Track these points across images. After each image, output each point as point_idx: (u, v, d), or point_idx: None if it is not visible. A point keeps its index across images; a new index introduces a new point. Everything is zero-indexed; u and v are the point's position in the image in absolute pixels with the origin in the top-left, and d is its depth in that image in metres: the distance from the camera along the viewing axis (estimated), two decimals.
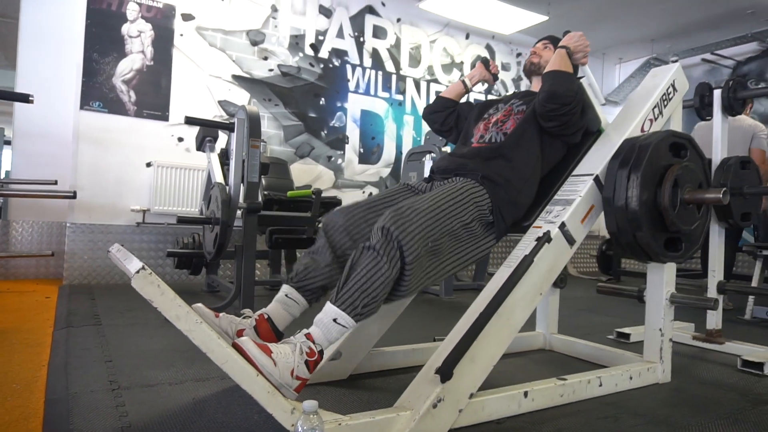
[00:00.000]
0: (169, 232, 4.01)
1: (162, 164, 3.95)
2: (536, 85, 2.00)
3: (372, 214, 1.61)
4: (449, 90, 2.16)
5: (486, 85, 2.21)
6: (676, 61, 6.15)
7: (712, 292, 2.51)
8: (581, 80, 1.89)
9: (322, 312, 1.35)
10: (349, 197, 4.81)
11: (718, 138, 2.59)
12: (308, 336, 1.32)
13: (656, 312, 1.95)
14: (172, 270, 3.92)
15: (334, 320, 1.32)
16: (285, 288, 1.55)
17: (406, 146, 5.17)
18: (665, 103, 1.89)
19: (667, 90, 1.90)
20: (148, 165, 3.91)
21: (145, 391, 1.59)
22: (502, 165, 1.68)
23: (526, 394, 1.55)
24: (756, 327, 3.10)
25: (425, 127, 5.30)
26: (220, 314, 1.49)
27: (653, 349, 1.95)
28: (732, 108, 2.57)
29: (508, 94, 2.31)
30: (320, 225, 1.63)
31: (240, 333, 1.46)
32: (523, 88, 6.01)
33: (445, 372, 1.34)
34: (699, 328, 2.71)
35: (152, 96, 3.98)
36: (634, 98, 1.92)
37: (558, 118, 1.69)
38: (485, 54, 5.71)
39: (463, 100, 2.19)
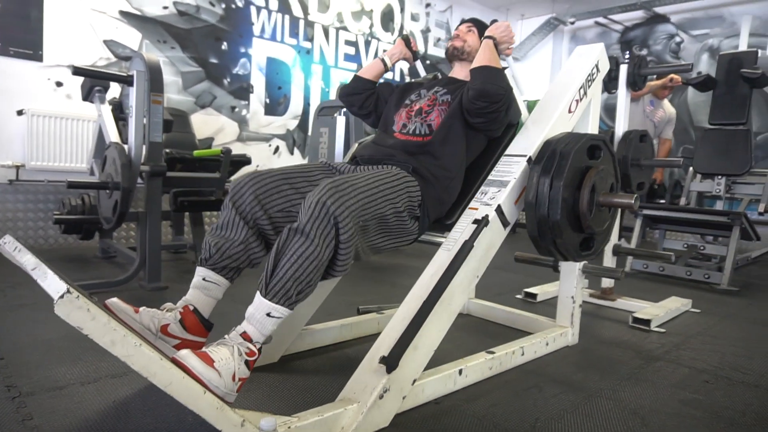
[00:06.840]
0: (50, 190, 3.55)
1: (37, 113, 3.44)
2: (459, 70, 1.91)
3: (286, 186, 1.49)
4: (367, 69, 1.99)
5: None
6: (573, 23, 6.43)
7: (608, 255, 2.74)
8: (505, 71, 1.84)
9: (254, 306, 1.26)
10: (254, 151, 4.56)
11: (622, 111, 2.76)
12: (244, 335, 1.25)
13: (570, 281, 2.10)
14: (56, 233, 3.52)
15: (268, 314, 1.24)
16: (201, 271, 1.43)
17: (314, 98, 4.96)
18: (590, 83, 1.95)
19: (591, 70, 1.95)
20: (20, 113, 3.38)
21: (54, 395, 1.42)
22: (430, 161, 1.64)
23: (460, 371, 1.60)
24: (635, 279, 3.48)
25: (334, 78, 5.11)
26: (140, 309, 1.36)
27: (565, 315, 2.10)
28: (635, 84, 2.74)
29: (428, 76, 2.17)
30: (227, 196, 1.48)
31: (164, 328, 1.36)
32: (431, 42, 5.96)
33: (392, 363, 1.33)
34: (592, 284, 2.97)
35: (20, 30, 3.38)
36: (563, 76, 1.95)
37: (486, 115, 1.67)
38: (395, 4, 5.54)
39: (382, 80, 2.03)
